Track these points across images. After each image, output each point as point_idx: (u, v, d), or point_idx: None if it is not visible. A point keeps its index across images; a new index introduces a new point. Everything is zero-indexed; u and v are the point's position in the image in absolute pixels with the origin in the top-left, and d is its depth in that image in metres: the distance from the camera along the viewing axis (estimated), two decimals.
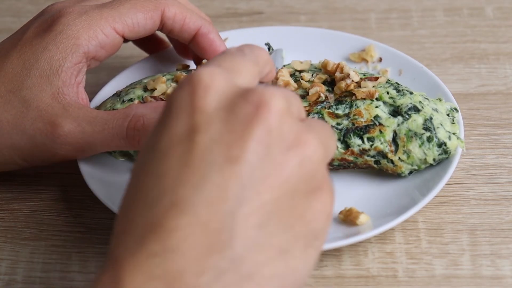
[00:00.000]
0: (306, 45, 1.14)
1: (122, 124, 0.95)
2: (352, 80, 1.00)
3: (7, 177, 1.04)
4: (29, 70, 0.96)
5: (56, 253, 0.96)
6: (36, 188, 1.03)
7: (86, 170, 0.98)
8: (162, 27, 1.03)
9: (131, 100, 1.02)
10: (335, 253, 0.93)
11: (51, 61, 0.96)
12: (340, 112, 0.99)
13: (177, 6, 1.02)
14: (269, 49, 1.07)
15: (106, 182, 0.98)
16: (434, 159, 0.97)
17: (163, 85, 1.01)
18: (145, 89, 1.03)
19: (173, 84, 1.01)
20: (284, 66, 1.06)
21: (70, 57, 0.97)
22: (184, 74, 1.03)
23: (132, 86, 1.05)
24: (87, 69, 0.99)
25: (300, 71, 1.04)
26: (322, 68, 1.03)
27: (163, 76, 1.04)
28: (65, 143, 0.95)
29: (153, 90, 1.02)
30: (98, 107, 1.05)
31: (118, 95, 1.04)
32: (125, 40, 1.02)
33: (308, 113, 0.99)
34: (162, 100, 1.00)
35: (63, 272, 0.94)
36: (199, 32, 1.04)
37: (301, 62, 1.04)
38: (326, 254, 0.93)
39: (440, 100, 1.02)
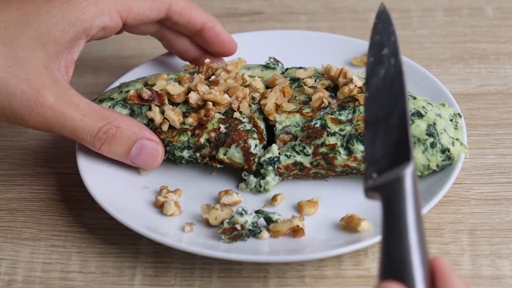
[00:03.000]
0: (307, 50, 1.13)
1: (97, 123, 0.96)
2: (355, 85, 0.99)
3: (7, 177, 1.04)
4: (25, 27, 0.95)
5: (56, 253, 0.96)
6: (36, 188, 1.03)
7: (86, 172, 0.99)
8: (166, 19, 1.03)
9: (128, 92, 1.02)
10: None
11: (52, 29, 0.96)
12: (343, 118, 0.98)
13: (183, 1, 1.03)
14: (270, 63, 1.06)
15: (105, 185, 0.99)
16: (437, 165, 0.96)
17: (163, 82, 1.01)
18: (146, 84, 1.03)
19: (175, 84, 1.01)
20: (286, 69, 1.05)
21: (71, 31, 0.96)
22: (187, 75, 1.03)
23: (135, 80, 1.05)
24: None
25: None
26: (325, 73, 1.03)
27: (167, 74, 1.04)
28: (41, 115, 0.95)
29: (153, 85, 1.02)
30: (98, 95, 1.05)
31: (120, 86, 1.05)
32: (124, 26, 1.02)
33: (311, 118, 0.98)
34: (158, 93, 1.00)
35: (63, 272, 0.94)
36: (205, 26, 1.05)
37: (305, 70, 1.04)
38: None
39: (443, 105, 1.01)
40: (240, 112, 0.99)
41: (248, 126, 0.99)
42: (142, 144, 0.97)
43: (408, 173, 0.76)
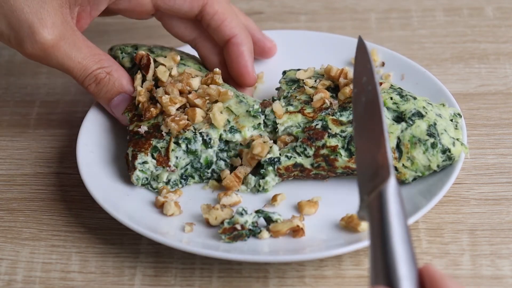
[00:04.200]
0: (307, 50, 1.13)
1: (92, 66, 1.00)
2: None
3: (7, 177, 1.04)
4: None
5: (56, 253, 0.96)
6: (36, 188, 1.03)
7: (86, 172, 0.99)
8: (201, 19, 1.04)
9: (150, 50, 1.06)
10: None
11: None
12: (344, 119, 0.98)
13: (221, 6, 1.03)
14: (252, 112, 1.00)
15: (105, 185, 0.99)
16: (438, 166, 0.96)
17: (171, 62, 1.03)
18: (165, 55, 1.05)
19: (167, 70, 1.02)
20: (284, 72, 1.05)
21: None
22: (192, 68, 1.03)
23: (175, 49, 1.08)
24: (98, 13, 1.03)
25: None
26: (325, 73, 1.02)
27: (194, 63, 1.05)
28: (42, 49, 0.98)
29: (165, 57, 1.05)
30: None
31: (155, 46, 1.08)
32: (154, 13, 1.04)
33: (312, 119, 0.98)
34: (148, 65, 1.02)
35: (63, 272, 0.94)
36: (232, 40, 1.04)
37: (305, 71, 1.04)
38: None
39: (443, 105, 1.01)
40: (169, 130, 0.98)
41: (160, 144, 0.98)
42: (124, 97, 1.02)
43: (387, 188, 0.78)
